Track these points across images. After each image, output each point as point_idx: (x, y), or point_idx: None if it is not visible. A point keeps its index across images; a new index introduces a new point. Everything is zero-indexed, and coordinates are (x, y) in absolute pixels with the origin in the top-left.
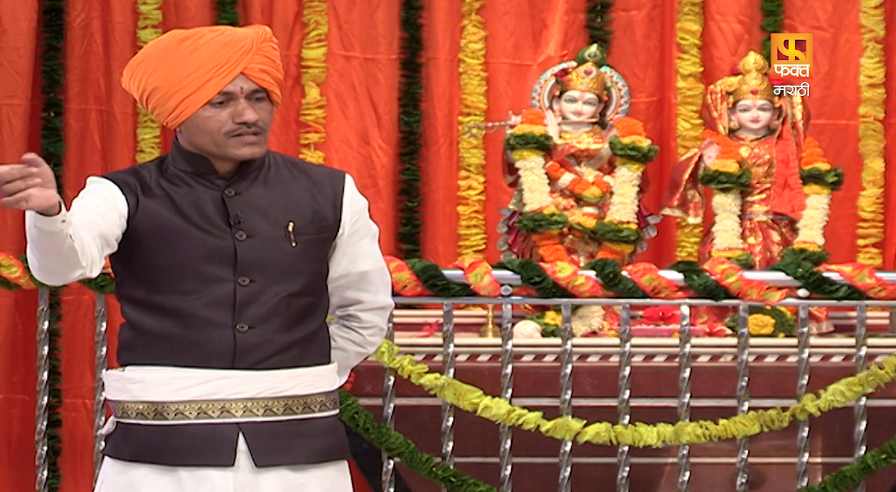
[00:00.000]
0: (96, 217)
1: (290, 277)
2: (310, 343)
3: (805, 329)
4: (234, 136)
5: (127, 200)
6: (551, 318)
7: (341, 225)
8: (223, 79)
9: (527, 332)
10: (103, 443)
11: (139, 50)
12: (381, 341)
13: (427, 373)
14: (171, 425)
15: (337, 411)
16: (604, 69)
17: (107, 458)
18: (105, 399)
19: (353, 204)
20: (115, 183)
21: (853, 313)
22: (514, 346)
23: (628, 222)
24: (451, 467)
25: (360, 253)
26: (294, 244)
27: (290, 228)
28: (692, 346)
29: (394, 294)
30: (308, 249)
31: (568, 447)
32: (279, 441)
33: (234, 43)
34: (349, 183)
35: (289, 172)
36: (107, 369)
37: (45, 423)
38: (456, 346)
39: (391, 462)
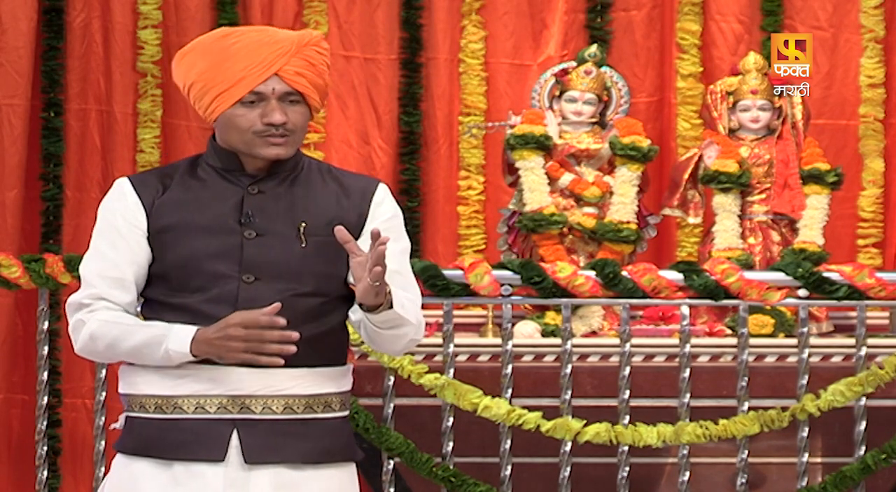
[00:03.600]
0: (131, 279)
1: (296, 276)
2: (318, 344)
3: (805, 329)
4: (261, 136)
5: (144, 207)
6: (551, 318)
7: (364, 227)
8: (256, 78)
9: (527, 332)
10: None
11: (139, 50)
12: (418, 324)
13: (427, 373)
14: (170, 419)
15: (345, 414)
16: (604, 69)
17: (117, 452)
18: (119, 394)
19: (381, 208)
20: (135, 189)
21: (853, 313)
22: (514, 346)
23: (628, 222)
24: (451, 467)
25: (390, 252)
26: (304, 244)
27: (302, 229)
28: (692, 346)
29: None
30: (319, 250)
31: (568, 447)
32: (273, 439)
33: (273, 44)
34: (382, 190)
35: (321, 177)
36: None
37: (45, 423)
38: (456, 346)
39: (391, 462)
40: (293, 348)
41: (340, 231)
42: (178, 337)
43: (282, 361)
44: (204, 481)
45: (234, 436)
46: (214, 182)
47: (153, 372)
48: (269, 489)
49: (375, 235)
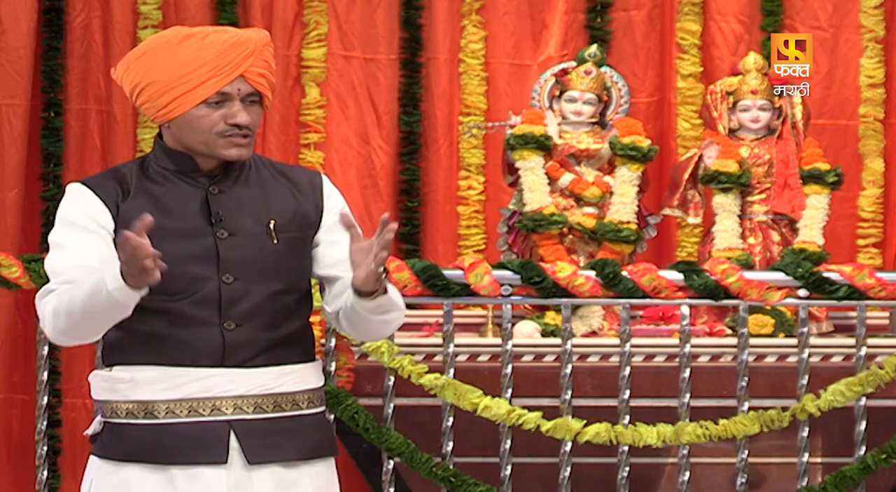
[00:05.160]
0: (98, 266)
1: (273, 274)
2: (296, 341)
3: (805, 329)
4: (224, 136)
5: (109, 209)
6: (551, 318)
7: (322, 221)
8: (223, 79)
9: (527, 332)
10: (92, 443)
11: None
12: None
13: (427, 373)
14: (163, 423)
15: (324, 408)
16: (604, 69)
17: (94, 458)
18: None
19: (333, 199)
20: (95, 193)
21: (853, 313)
22: (514, 346)
23: (628, 222)
24: (451, 467)
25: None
26: (276, 242)
27: (272, 226)
28: (692, 346)
29: None
30: (290, 246)
31: (568, 447)
32: (270, 438)
33: (239, 44)
34: (327, 181)
35: (269, 173)
36: (93, 370)
37: (45, 423)
38: (456, 346)
39: (391, 462)
40: (155, 253)
41: (346, 217)
42: (112, 276)
43: (162, 266)
44: (205, 485)
45: (233, 437)
46: (173, 184)
47: (137, 378)
48: (271, 488)
49: (385, 222)
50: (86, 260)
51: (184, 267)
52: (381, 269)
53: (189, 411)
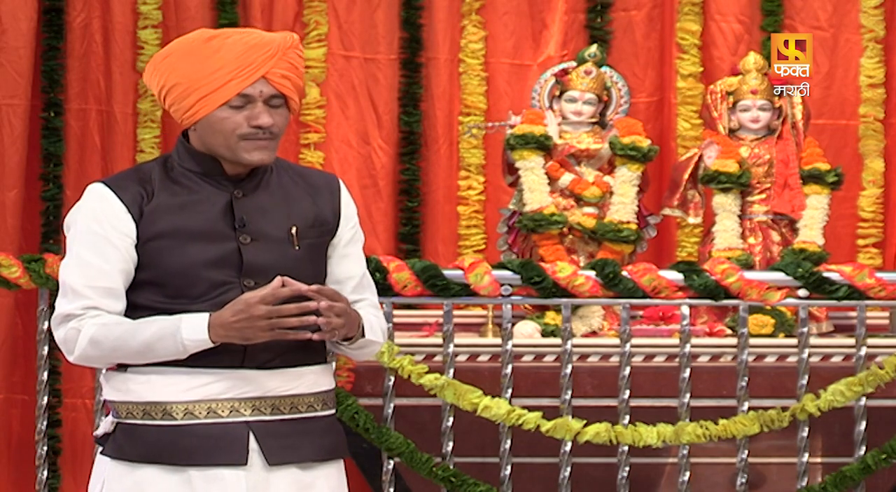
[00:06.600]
0: (121, 288)
1: (293, 279)
2: (311, 344)
3: (805, 329)
4: (246, 139)
5: (132, 215)
6: (551, 318)
7: (339, 228)
8: (244, 81)
9: (527, 332)
10: (99, 443)
11: (139, 50)
12: (384, 338)
13: (427, 373)
14: (181, 425)
15: (335, 410)
16: (604, 69)
17: (105, 459)
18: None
19: (350, 208)
20: (118, 196)
21: (853, 313)
22: (514, 346)
23: (628, 222)
24: (451, 467)
25: (359, 256)
26: (297, 248)
27: (294, 232)
28: (692, 346)
29: (394, 294)
30: (310, 252)
31: (568, 447)
32: (288, 440)
33: (260, 46)
34: (344, 188)
35: (289, 177)
36: (105, 368)
37: (45, 423)
38: (456, 346)
39: (391, 462)
40: (313, 318)
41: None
42: (192, 325)
43: (308, 335)
44: (224, 486)
45: (252, 439)
46: (198, 187)
47: (154, 379)
48: (289, 490)
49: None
50: (104, 281)
51: (205, 271)
52: (342, 331)
53: (208, 413)
